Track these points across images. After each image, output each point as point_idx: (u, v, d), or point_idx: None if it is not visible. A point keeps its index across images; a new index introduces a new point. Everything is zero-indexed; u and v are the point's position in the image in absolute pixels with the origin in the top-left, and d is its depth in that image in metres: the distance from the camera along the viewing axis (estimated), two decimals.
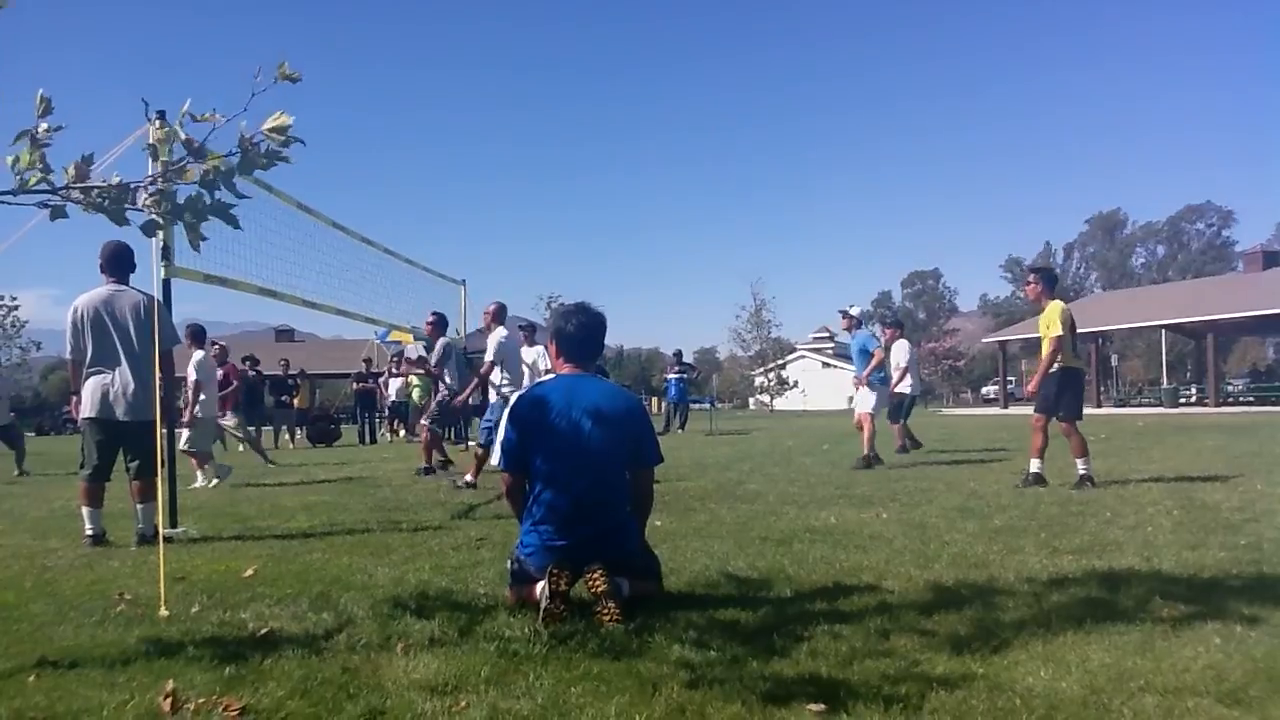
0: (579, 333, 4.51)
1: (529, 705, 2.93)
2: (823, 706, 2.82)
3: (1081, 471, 8.67)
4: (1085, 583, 4.52)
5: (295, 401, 23.11)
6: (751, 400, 70.93)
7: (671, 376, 24.92)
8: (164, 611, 4.22)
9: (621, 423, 4.36)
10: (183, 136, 3.36)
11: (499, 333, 10.32)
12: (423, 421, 12.39)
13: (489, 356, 10.18)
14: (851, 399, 13.64)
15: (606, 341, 4.80)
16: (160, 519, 6.24)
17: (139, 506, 6.48)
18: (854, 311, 12.76)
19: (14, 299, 61.70)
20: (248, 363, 21.26)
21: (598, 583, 3.94)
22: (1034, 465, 8.90)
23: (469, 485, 9.71)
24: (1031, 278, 9.44)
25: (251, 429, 21.75)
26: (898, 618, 3.90)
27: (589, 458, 4.25)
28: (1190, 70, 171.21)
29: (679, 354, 26.07)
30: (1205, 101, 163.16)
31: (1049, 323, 8.84)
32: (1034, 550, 5.41)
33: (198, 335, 11.29)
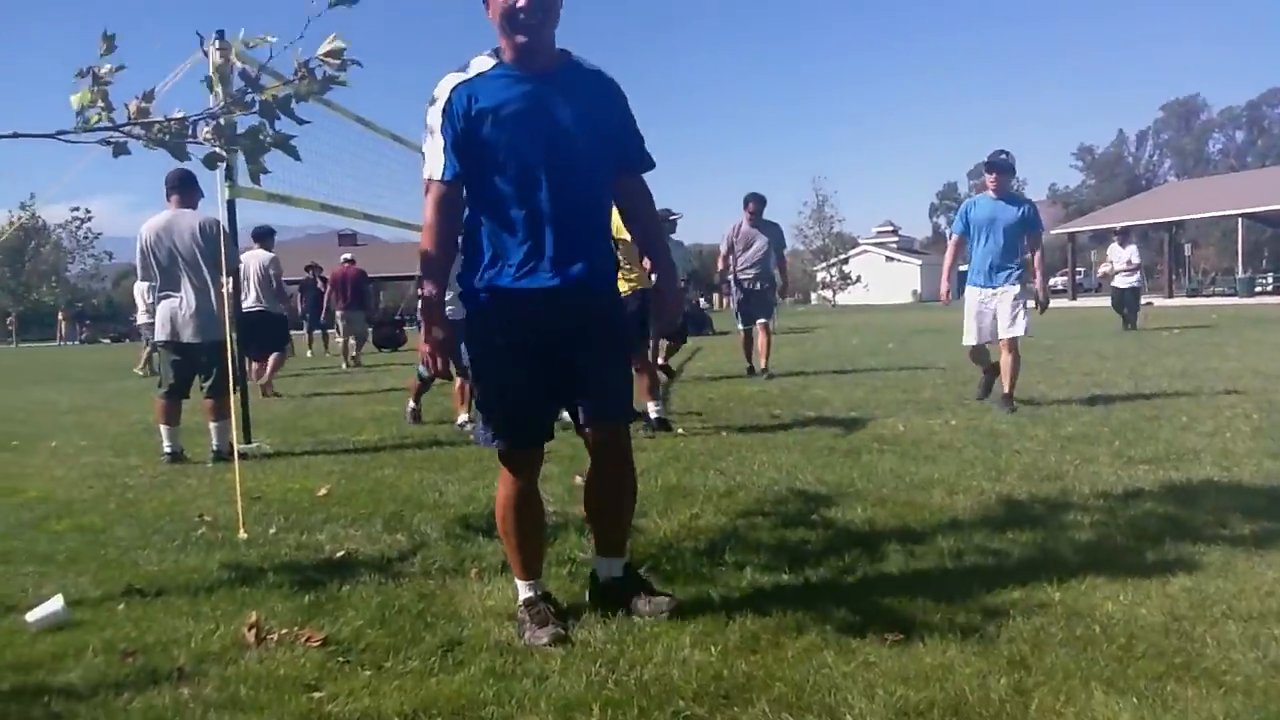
0: None
1: (604, 633, 2.94)
2: (899, 637, 2.80)
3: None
4: (1161, 497, 4.43)
5: None
6: (814, 295, 70.42)
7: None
8: (243, 534, 4.32)
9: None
10: (239, 66, 3.32)
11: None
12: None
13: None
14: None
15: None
16: (235, 435, 6.36)
17: (213, 425, 6.63)
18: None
19: (87, 211, 62.57)
20: (311, 271, 21.37)
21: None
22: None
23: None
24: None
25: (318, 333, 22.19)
26: (970, 537, 3.86)
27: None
28: None
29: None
30: None
31: None
32: (1108, 460, 5.32)
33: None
